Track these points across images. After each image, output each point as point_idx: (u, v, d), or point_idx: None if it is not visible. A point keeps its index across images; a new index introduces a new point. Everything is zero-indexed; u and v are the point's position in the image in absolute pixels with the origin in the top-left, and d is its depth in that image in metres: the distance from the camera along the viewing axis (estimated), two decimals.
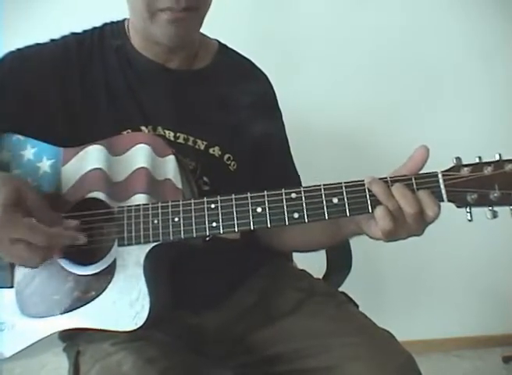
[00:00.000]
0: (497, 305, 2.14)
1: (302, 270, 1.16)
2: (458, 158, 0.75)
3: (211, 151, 1.03)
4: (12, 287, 0.91)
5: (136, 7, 0.94)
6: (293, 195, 0.78)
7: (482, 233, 1.89)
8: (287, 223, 0.78)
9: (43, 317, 0.88)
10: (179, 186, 0.87)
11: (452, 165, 0.75)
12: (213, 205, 0.82)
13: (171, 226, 0.83)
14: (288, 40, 1.91)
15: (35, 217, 0.80)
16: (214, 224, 0.81)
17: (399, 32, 1.94)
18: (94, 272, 0.87)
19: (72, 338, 0.97)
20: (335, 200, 0.77)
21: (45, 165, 0.93)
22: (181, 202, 0.84)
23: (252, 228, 0.79)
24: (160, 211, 0.84)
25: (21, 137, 0.95)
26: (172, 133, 1.00)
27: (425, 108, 1.99)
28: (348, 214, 0.77)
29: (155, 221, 0.84)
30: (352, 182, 0.78)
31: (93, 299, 0.86)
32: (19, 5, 1.76)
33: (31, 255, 0.78)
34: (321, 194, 0.77)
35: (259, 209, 0.79)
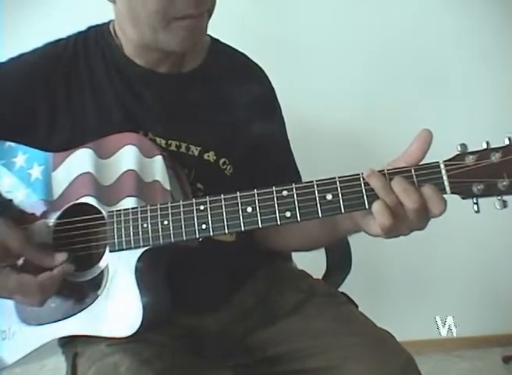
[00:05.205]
0: (497, 305, 2.11)
1: (302, 271, 1.12)
2: (463, 145, 0.67)
3: (205, 156, 0.97)
4: None
5: (143, 17, 0.85)
6: (285, 193, 0.72)
7: (483, 232, 1.88)
8: (279, 222, 0.72)
9: (41, 325, 0.86)
10: (168, 187, 0.83)
11: (456, 153, 0.67)
12: (202, 207, 0.77)
13: (160, 230, 0.79)
14: (289, 39, 1.87)
15: (26, 257, 0.84)
16: (203, 226, 0.76)
17: (399, 32, 1.92)
18: (87, 278, 0.85)
19: (70, 340, 0.93)
20: (329, 196, 0.70)
21: (36, 171, 0.91)
22: (169, 205, 0.79)
23: (243, 229, 0.74)
24: (149, 214, 0.80)
25: (12, 144, 0.93)
26: (163, 141, 0.94)
27: (426, 107, 1.94)
28: (343, 211, 0.70)
29: (145, 225, 0.80)
30: (346, 177, 0.71)
31: (87, 306, 0.83)
32: (19, 5, 1.74)
33: (30, 300, 0.81)
34: (314, 191, 0.71)
35: (249, 209, 0.74)
